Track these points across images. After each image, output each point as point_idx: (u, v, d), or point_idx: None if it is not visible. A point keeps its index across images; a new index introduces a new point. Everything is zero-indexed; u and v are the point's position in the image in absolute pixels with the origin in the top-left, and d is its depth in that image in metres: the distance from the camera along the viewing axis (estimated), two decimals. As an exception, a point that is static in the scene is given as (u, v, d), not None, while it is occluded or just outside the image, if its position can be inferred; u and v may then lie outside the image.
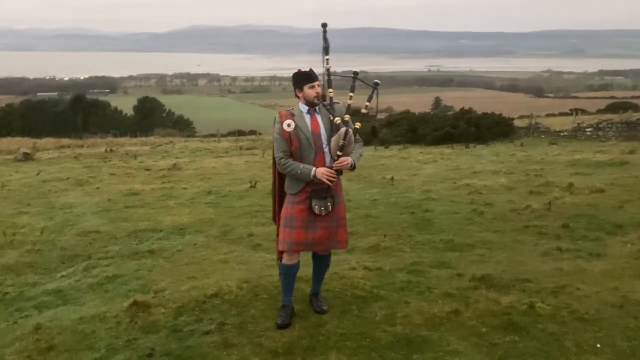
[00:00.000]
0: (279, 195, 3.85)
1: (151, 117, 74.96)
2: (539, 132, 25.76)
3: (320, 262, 3.96)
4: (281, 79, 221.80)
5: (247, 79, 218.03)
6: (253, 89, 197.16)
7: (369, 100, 3.80)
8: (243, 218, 8.30)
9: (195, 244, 6.76)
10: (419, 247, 6.26)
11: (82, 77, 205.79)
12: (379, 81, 3.87)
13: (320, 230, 3.70)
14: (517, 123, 29.30)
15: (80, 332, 3.69)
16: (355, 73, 3.83)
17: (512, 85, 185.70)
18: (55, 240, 7.25)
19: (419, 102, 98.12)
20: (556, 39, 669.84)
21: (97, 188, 12.64)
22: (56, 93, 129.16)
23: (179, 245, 6.74)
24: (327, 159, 3.68)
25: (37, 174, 16.13)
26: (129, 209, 9.70)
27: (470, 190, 10.07)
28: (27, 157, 22.84)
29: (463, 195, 9.59)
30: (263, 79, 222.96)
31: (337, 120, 3.66)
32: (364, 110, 3.81)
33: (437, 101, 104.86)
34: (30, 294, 4.83)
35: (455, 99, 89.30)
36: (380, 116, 36.24)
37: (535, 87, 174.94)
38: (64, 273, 5.53)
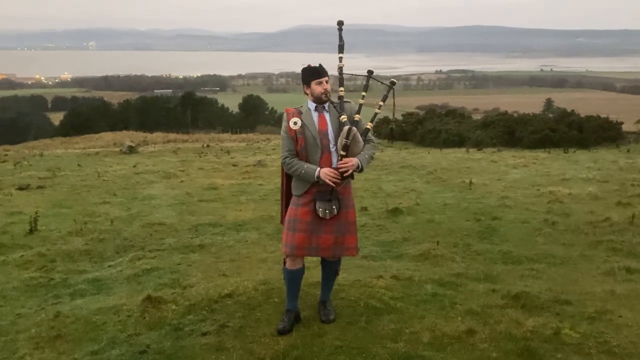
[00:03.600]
0: (286, 197, 3.71)
1: (255, 114, 77.51)
2: (652, 137, 23.59)
3: (328, 269, 3.77)
4: (384, 78, 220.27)
5: (350, 78, 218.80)
6: (355, 87, 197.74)
7: (384, 100, 3.57)
8: (303, 217, 8.22)
9: (247, 241, 6.80)
10: (472, 257, 5.88)
11: (195, 75, 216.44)
12: (395, 80, 3.63)
13: (326, 235, 3.51)
14: (630, 127, 26.99)
15: (92, 323, 3.78)
16: (370, 72, 3.62)
17: (635, 86, 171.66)
18: (121, 230, 7.56)
19: (528, 103, 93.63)
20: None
21: (182, 181, 13.12)
22: (170, 90, 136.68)
23: (230, 241, 6.80)
24: (334, 159, 3.48)
25: (134, 166, 16.99)
26: (201, 203, 9.97)
27: (551, 198, 9.38)
28: (131, 150, 24.23)
29: (541, 204, 8.93)
30: (365, 78, 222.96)
31: (343, 118, 3.47)
32: (377, 110, 3.58)
33: (549, 102, 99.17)
34: (72, 281, 5.04)
35: (569, 101, 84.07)
36: (477, 117, 34.89)
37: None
38: (111, 263, 5.75)
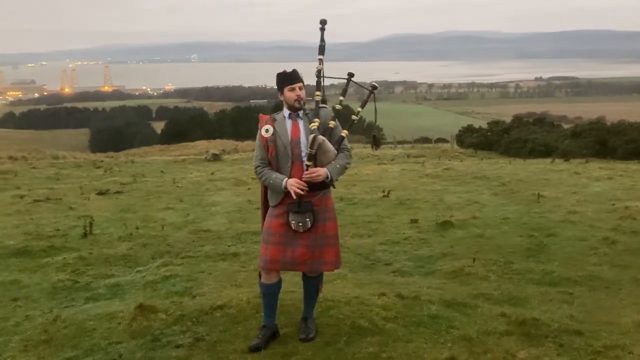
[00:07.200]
0: (264, 207, 3.59)
1: (342, 123, 78.09)
2: None
3: (309, 285, 3.60)
4: (480, 85, 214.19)
5: (444, 86, 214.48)
6: (449, 96, 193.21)
7: (363, 106, 3.38)
8: (348, 228, 8.07)
9: (281, 251, 6.73)
10: (508, 277, 5.47)
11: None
12: (376, 84, 3.43)
13: (301, 248, 3.36)
14: None
15: (83, 328, 3.85)
16: (351, 75, 3.44)
17: None
18: (168, 237, 7.73)
19: (638, 112, 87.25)
20: None
21: (248, 189, 13.29)
22: (265, 100, 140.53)
23: (265, 250, 6.76)
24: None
25: (212, 173, 17.45)
26: (257, 211, 9.95)
27: (623, 214, 8.57)
28: (215, 157, 25.01)
29: (610, 220, 8.19)
30: (460, 85, 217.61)
31: (314, 125, 3.31)
32: (354, 117, 3.40)
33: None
34: (95, 285, 5.20)
35: (687, 109, 77.07)
36: (567, 125, 32.93)
37: None
38: (141, 268, 5.87)
